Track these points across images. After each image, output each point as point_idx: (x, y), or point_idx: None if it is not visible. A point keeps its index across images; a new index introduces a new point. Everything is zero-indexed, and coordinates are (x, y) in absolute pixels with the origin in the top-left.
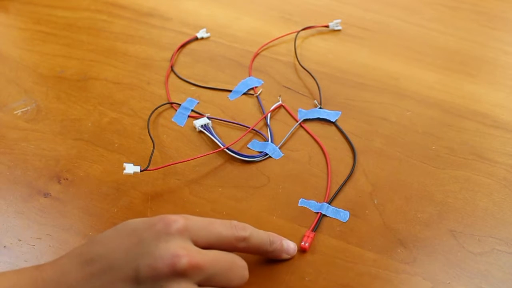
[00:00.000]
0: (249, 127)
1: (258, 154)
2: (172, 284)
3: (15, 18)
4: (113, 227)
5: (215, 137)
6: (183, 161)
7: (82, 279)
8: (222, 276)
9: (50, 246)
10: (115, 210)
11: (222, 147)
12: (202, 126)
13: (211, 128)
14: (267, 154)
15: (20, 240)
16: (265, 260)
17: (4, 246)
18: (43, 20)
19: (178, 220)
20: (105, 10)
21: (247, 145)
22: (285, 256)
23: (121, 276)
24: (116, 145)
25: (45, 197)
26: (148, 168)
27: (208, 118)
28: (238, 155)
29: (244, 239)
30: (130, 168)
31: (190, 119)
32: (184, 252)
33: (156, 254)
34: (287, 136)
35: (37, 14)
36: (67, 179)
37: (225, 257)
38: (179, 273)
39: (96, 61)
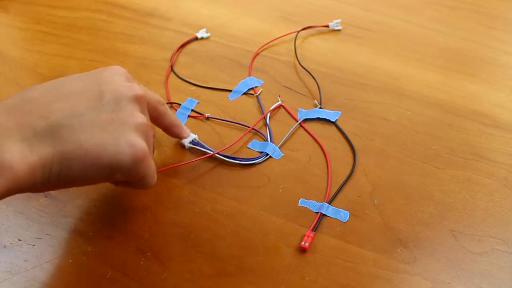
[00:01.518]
0: (249, 127)
1: (257, 156)
2: (132, 105)
3: (15, 18)
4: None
5: (207, 149)
6: (180, 165)
7: (41, 104)
8: (154, 107)
9: (50, 246)
10: (115, 210)
11: (212, 152)
12: (191, 143)
13: (200, 141)
14: (266, 155)
15: (20, 240)
16: (265, 259)
17: (4, 246)
18: (43, 20)
19: (118, 66)
20: (105, 10)
21: (247, 145)
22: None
23: (85, 97)
24: None
25: (45, 197)
26: None
27: (208, 117)
28: (235, 160)
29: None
30: None
31: (190, 119)
32: (135, 86)
33: (116, 83)
34: (287, 135)
35: (37, 14)
36: None
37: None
38: (134, 98)
39: (96, 61)
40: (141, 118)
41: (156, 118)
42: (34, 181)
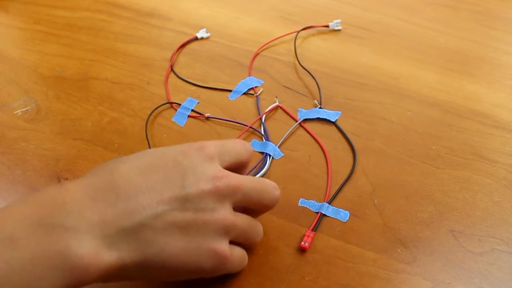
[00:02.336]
0: (247, 125)
1: (261, 166)
2: (216, 205)
3: (15, 18)
4: (139, 152)
5: None
6: None
7: (124, 195)
8: (255, 195)
9: None
10: None
11: None
12: None
13: None
14: (268, 156)
15: None
16: (265, 259)
17: None
18: (43, 20)
19: (207, 146)
20: (105, 10)
21: None
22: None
23: (167, 195)
24: (116, 145)
25: None
26: None
27: (208, 117)
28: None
29: (250, 153)
30: None
31: (190, 119)
32: (222, 174)
33: (198, 177)
34: (285, 135)
35: (37, 14)
36: (67, 179)
37: (255, 179)
38: (222, 194)
39: (96, 61)
40: (226, 217)
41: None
42: (104, 279)
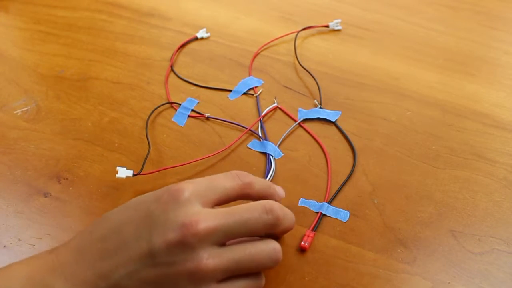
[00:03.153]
0: (246, 127)
1: (266, 172)
2: (187, 254)
3: (15, 18)
4: (122, 205)
5: None
6: (176, 166)
7: (99, 256)
8: (239, 229)
9: (50, 246)
10: None
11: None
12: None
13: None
14: (269, 157)
15: (20, 240)
16: None
17: (4, 246)
18: (43, 20)
19: (184, 188)
20: (105, 10)
21: (247, 145)
22: (277, 198)
23: (136, 252)
24: (116, 145)
25: (45, 197)
26: (142, 173)
27: (208, 117)
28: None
29: (249, 184)
30: (123, 172)
31: (190, 119)
32: (194, 218)
33: (166, 226)
34: (284, 135)
35: (37, 14)
36: (67, 179)
37: (240, 210)
38: (190, 243)
39: (96, 61)
40: (196, 263)
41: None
42: None
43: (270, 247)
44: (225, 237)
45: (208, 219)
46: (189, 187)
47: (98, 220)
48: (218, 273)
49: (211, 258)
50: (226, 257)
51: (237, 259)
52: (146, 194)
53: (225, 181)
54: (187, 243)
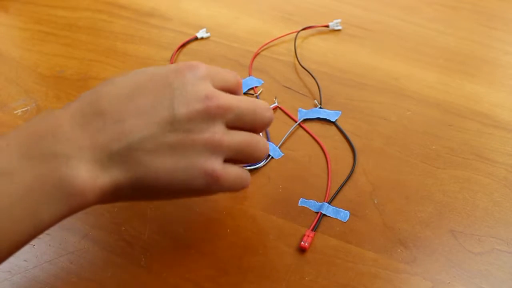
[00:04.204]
0: None
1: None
2: (207, 125)
3: (15, 18)
4: (129, 73)
5: None
6: None
7: (111, 119)
8: (247, 116)
9: (49, 245)
10: (115, 209)
11: None
12: None
13: None
14: (268, 157)
15: None
16: (265, 259)
17: None
18: (43, 20)
19: (200, 66)
20: (105, 10)
21: None
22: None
23: (155, 117)
24: None
25: None
26: None
27: None
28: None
29: (239, 83)
30: None
31: None
32: (214, 94)
33: (189, 97)
34: (286, 136)
35: (37, 14)
36: None
37: (247, 99)
38: (212, 114)
39: (96, 61)
40: (212, 134)
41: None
42: (101, 201)
43: (264, 140)
44: (235, 120)
45: (226, 97)
46: (204, 66)
47: (103, 85)
48: (228, 150)
49: (225, 135)
50: (237, 138)
51: (244, 142)
52: (155, 66)
53: (225, 72)
54: (210, 114)
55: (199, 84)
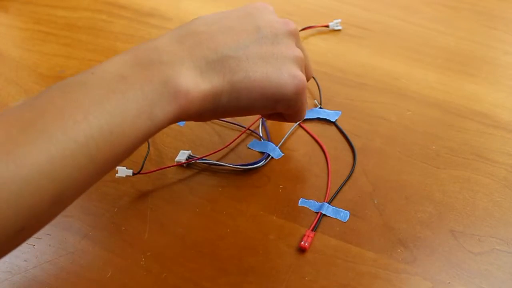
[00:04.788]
0: (245, 127)
1: (259, 159)
2: (291, 41)
3: (15, 18)
4: (208, 15)
5: (206, 162)
6: (176, 165)
7: (208, 36)
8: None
9: (50, 245)
10: (115, 209)
11: (211, 161)
12: (188, 159)
13: (194, 155)
14: (267, 157)
15: None
16: (265, 259)
17: None
18: (43, 20)
19: (268, 6)
20: (105, 10)
21: (247, 145)
22: None
23: (244, 31)
24: None
25: None
26: (141, 172)
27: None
28: (237, 166)
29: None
30: (122, 172)
31: None
32: (290, 22)
33: (269, 18)
34: (286, 136)
35: (37, 14)
36: None
37: None
38: (292, 34)
39: (96, 61)
40: (298, 52)
41: None
42: (203, 109)
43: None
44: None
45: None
46: (271, 7)
47: (193, 20)
48: (303, 67)
49: (301, 53)
50: (308, 62)
51: (311, 67)
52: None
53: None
54: (291, 33)
55: (274, 15)
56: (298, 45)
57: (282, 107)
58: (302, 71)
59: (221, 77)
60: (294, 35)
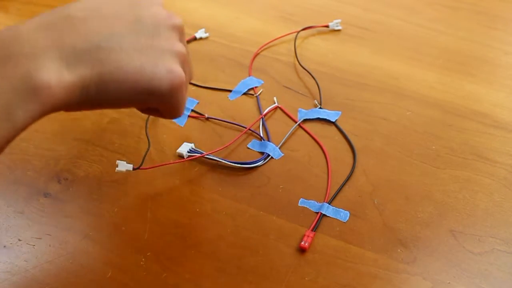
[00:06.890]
0: (246, 128)
1: (258, 158)
2: (171, 34)
3: (15, 18)
4: None
5: (207, 156)
6: (176, 162)
7: (80, 21)
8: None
9: (50, 246)
10: (115, 210)
11: (211, 157)
12: (189, 152)
13: (197, 149)
14: (267, 157)
15: (20, 240)
16: (265, 259)
17: (4, 246)
18: None
19: None
20: None
21: (247, 145)
22: None
23: (122, 19)
24: (116, 145)
25: (45, 197)
26: (141, 167)
27: (207, 118)
28: (236, 164)
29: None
30: (123, 166)
31: (190, 119)
32: (174, 15)
33: (153, 10)
34: (286, 136)
35: (37, 14)
36: (67, 179)
37: None
38: (176, 27)
39: None
40: (180, 47)
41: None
42: (70, 101)
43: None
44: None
45: (181, 20)
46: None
47: (67, 4)
48: (184, 63)
49: (184, 48)
50: (189, 57)
51: (191, 63)
52: None
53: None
54: (174, 26)
55: (161, 7)
56: (181, 41)
57: (155, 102)
58: (182, 67)
59: (89, 68)
60: (177, 30)
